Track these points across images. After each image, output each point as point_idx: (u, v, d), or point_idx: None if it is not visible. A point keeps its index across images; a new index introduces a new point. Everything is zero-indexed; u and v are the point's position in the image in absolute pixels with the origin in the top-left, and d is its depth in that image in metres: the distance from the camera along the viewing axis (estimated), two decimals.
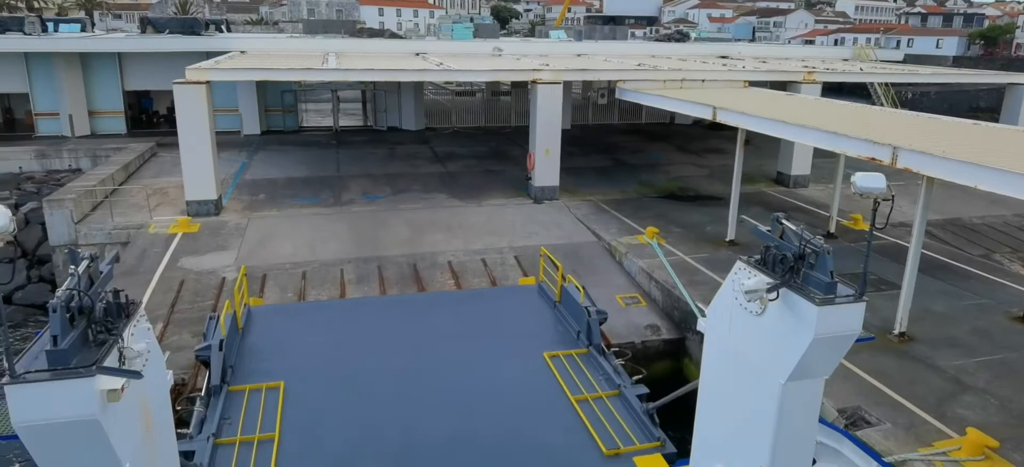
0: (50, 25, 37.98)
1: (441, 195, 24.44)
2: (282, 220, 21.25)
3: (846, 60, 42.74)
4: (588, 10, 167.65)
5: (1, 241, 4.85)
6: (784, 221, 7.07)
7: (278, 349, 12.85)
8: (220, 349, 11.38)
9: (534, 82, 23.27)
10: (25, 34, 34.07)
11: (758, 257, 7.19)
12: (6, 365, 4.94)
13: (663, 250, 17.62)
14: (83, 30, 40.68)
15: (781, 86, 27.14)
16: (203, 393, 11.33)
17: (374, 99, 38.99)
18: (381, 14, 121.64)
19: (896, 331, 13.41)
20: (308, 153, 31.07)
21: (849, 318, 6.46)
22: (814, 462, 8.98)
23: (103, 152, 28.78)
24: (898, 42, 75.40)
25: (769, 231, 7.16)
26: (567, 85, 31.59)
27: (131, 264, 17.58)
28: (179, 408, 11.50)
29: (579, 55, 37.60)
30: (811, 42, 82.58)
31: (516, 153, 30.72)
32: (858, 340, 6.83)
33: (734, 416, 7.52)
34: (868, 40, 67.50)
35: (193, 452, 9.39)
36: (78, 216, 20.35)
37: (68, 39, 34.24)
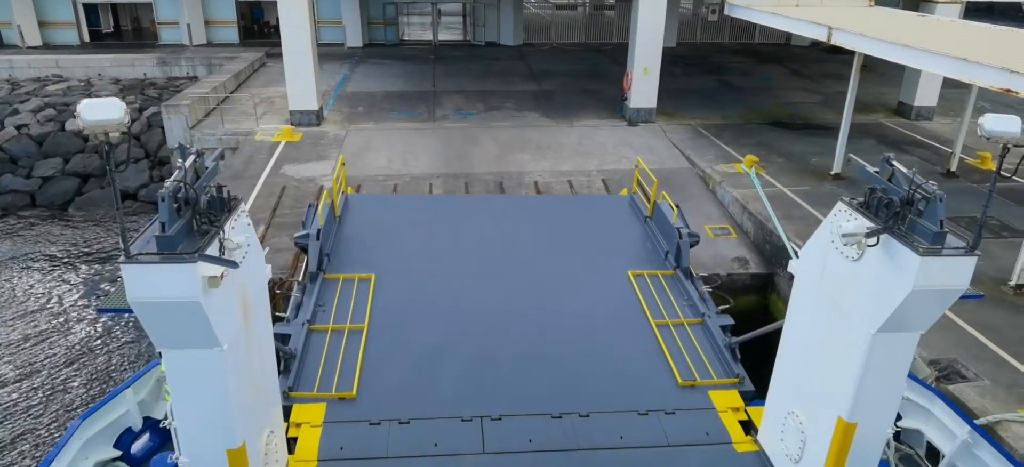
0: None
1: (533, 114, 24.15)
2: (378, 133, 21.75)
3: None
4: None
5: (117, 132, 5.12)
6: (894, 162, 6.47)
7: (372, 239, 13.26)
8: (317, 238, 11.86)
9: None
10: None
11: (861, 199, 6.65)
12: (123, 246, 5.38)
13: (761, 180, 16.72)
14: None
15: (913, 6, 24.51)
16: (300, 278, 11.98)
17: (473, 13, 38.57)
18: None
19: (1013, 282, 12.25)
20: (406, 67, 31.37)
21: (956, 272, 5.89)
22: (900, 418, 8.51)
23: (217, 61, 30.26)
24: None
25: (877, 171, 6.58)
26: None
27: (238, 169, 18.64)
28: (278, 291, 12.24)
29: None
30: None
31: (615, 72, 29.66)
32: (964, 297, 6.25)
33: (817, 362, 7.17)
34: None
35: (289, 336, 9.95)
36: (193, 121, 21.66)
37: None
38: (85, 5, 34.64)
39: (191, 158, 6.04)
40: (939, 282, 5.93)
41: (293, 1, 20.75)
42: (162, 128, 22.11)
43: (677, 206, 13.07)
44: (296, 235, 12.43)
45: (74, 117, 24.20)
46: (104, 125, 5.03)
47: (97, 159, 23.14)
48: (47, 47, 33.10)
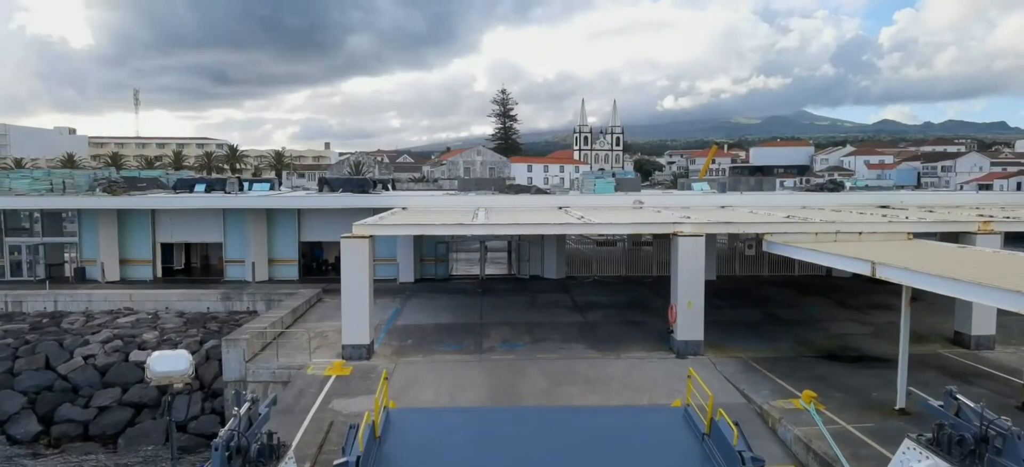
0: (246, 184, 44.00)
1: (579, 345, 24.27)
2: (426, 366, 22.01)
3: None
4: (734, 161, 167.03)
5: (181, 382, 5.48)
6: (959, 396, 6.32)
7: (414, 462, 12.85)
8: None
9: (675, 234, 23.15)
10: (226, 193, 39.63)
11: (930, 435, 6.41)
12: None
13: (822, 417, 16.07)
14: (272, 188, 46.60)
15: (952, 238, 24.90)
16: None
17: (518, 249, 40.51)
18: (529, 171, 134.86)
19: None
20: (455, 300, 32.45)
21: None
22: None
23: (277, 296, 31.88)
24: None
25: (941, 406, 6.41)
26: (710, 237, 31.07)
27: (289, 403, 18.83)
28: None
29: (723, 207, 37.05)
30: (987, 186, 75.97)
31: (657, 304, 30.13)
32: None
33: None
34: None
35: None
36: (250, 355, 22.39)
37: (257, 197, 39.35)
38: (163, 245, 37.73)
39: (246, 406, 6.30)
40: None
41: (355, 243, 22.32)
42: (220, 360, 22.86)
43: (737, 425, 12.49)
44: (335, 463, 12.20)
45: (139, 349, 25.36)
46: (170, 377, 5.41)
47: (154, 390, 23.73)
48: (123, 282, 35.60)
